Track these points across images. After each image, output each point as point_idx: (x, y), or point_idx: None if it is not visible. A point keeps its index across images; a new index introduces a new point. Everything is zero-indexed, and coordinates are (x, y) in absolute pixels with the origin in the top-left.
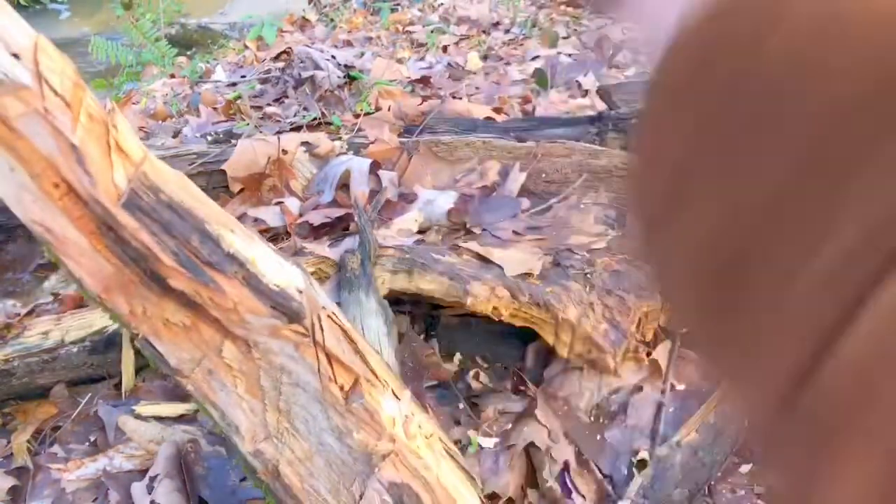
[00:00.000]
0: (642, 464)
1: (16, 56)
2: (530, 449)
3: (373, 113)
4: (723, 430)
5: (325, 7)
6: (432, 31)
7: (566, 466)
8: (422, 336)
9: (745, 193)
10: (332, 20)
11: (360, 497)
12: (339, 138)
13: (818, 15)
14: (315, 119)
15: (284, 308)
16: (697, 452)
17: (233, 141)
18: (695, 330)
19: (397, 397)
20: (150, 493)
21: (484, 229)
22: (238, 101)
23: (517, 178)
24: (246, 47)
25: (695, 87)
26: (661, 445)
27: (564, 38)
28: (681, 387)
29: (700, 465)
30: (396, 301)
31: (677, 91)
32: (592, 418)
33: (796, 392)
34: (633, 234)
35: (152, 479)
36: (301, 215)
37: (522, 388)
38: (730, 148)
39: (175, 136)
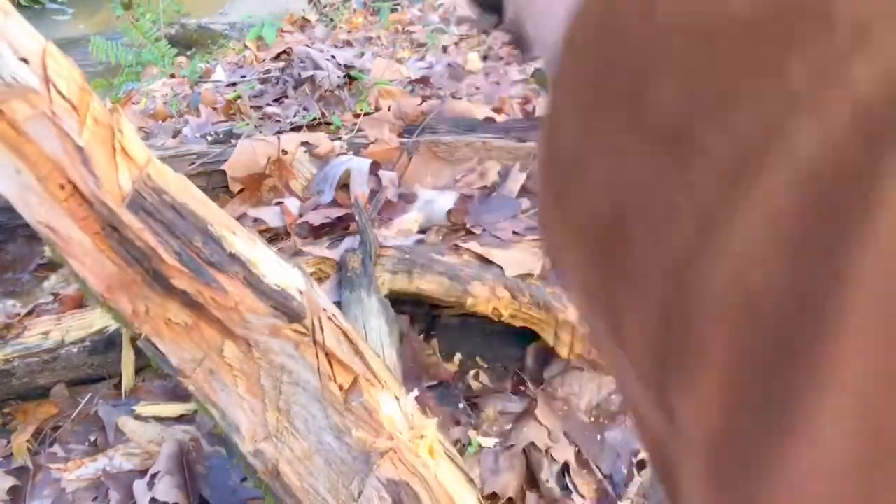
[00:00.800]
0: (642, 464)
1: (24, 60)
2: (530, 449)
3: (373, 113)
4: None
5: (325, 7)
6: (432, 31)
7: (566, 466)
8: (422, 336)
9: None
10: (332, 20)
11: (359, 495)
12: (339, 138)
13: None
14: (315, 119)
15: (285, 308)
16: None
17: (233, 141)
18: (584, 308)
19: (396, 397)
20: (150, 491)
21: (484, 229)
22: (238, 101)
23: (517, 178)
24: (246, 47)
25: (587, 66)
26: None
27: None
28: None
29: None
30: (396, 301)
31: (574, 68)
32: (592, 418)
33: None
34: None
35: (153, 476)
36: (301, 215)
37: (522, 388)
38: (616, 102)
39: (175, 136)
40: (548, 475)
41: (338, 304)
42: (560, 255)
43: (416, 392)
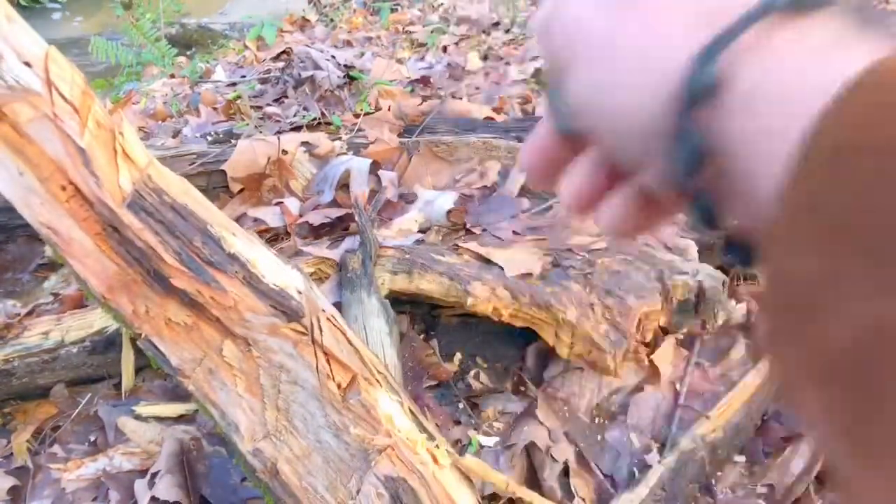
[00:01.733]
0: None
1: (27, 64)
2: (531, 448)
3: (373, 113)
4: (743, 429)
5: (325, 7)
6: (432, 31)
7: (566, 466)
8: (422, 336)
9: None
10: (332, 20)
11: (357, 492)
12: (339, 138)
13: None
14: (315, 119)
15: (284, 307)
16: (717, 450)
17: (233, 141)
18: (825, 437)
19: (395, 394)
20: (151, 490)
21: (484, 229)
22: (238, 101)
23: (517, 179)
24: (246, 47)
25: (831, 192)
26: (685, 438)
27: None
28: (685, 388)
29: (712, 462)
30: (396, 301)
31: (810, 196)
32: (593, 419)
33: None
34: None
35: (154, 475)
36: (301, 215)
37: (522, 388)
38: (875, 253)
39: (175, 136)
40: (549, 474)
41: (338, 304)
42: (798, 390)
43: (415, 392)
